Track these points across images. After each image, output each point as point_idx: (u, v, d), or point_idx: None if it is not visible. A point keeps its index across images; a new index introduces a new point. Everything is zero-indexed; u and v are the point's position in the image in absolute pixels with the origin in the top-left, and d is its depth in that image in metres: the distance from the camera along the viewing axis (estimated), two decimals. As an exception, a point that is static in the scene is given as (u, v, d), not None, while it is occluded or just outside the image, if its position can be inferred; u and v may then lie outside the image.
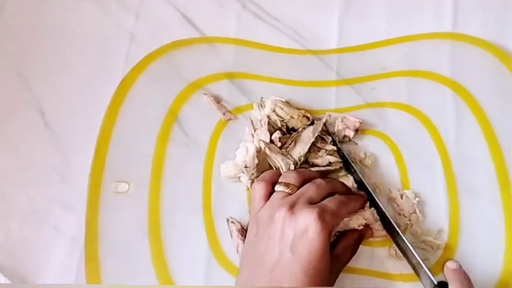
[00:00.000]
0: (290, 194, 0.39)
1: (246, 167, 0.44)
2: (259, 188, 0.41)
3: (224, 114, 0.48)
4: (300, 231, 0.36)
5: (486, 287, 0.41)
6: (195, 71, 0.50)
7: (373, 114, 0.48)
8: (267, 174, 0.42)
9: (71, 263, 0.44)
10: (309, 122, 0.47)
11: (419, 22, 0.52)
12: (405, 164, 0.46)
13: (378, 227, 0.43)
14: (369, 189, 0.42)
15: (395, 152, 0.46)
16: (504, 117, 0.47)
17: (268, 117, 0.46)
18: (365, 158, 0.46)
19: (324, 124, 0.46)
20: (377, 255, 0.43)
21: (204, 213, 0.45)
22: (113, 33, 0.52)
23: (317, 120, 0.47)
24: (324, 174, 0.44)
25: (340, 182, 0.44)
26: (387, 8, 0.53)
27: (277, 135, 0.45)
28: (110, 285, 0.42)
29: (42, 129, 0.48)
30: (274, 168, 0.45)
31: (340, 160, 0.46)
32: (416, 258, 0.39)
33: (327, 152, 0.46)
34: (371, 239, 0.43)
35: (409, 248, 0.39)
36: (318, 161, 0.46)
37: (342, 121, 0.47)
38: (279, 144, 0.45)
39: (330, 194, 0.40)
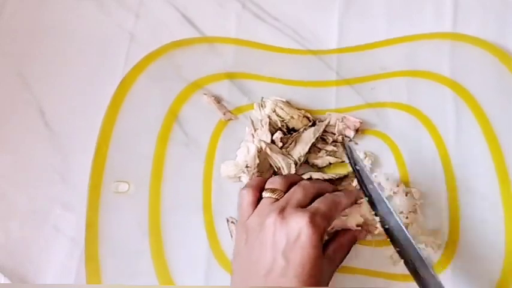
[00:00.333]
0: (277, 200, 0.39)
1: (247, 166, 0.44)
2: (247, 195, 0.40)
3: (224, 114, 0.48)
4: (292, 236, 0.36)
5: (486, 285, 0.41)
6: (195, 71, 0.50)
7: (373, 114, 0.48)
8: (253, 181, 0.42)
9: (71, 263, 0.44)
10: (310, 123, 0.47)
11: (419, 22, 0.52)
12: (405, 163, 0.46)
13: (377, 225, 0.43)
14: (382, 196, 0.41)
15: (396, 151, 0.46)
16: (504, 117, 0.47)
17: (269, 117, 0.46)
18: (365, 157, 0.46)
19: (349, 147, 0.44)
20: (377, 255, 0.43)
21: (204, 213, 0.45)
22: (113, 33, 0.52)
23: (318, 121, 0.47)
24: (332, 183, 0.44)
25: (326, 182, 0.44)
26: (387, 8, 0.53)
27: (278, 135, 0.45)
28: (110, 285, 0.42)
29: (42, 129, 0.48)
30: (275, 168, 0.45)
31: (340, 161, 0.46)
32: (420, 256, 0.38)
33: (327, 152, 0.46)
34: (371, 239, 0.43)
35: (414, 246, 0.38)
36: (318, 161, 0.46)
37: (342, 121, 0.47)
38: (280, 144, 0.45)
39: (317, 195, 0.40)
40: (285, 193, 0.40)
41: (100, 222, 0.44)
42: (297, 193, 0.39)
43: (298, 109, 0.47)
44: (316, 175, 0.44)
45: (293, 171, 0.44)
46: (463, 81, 0.49)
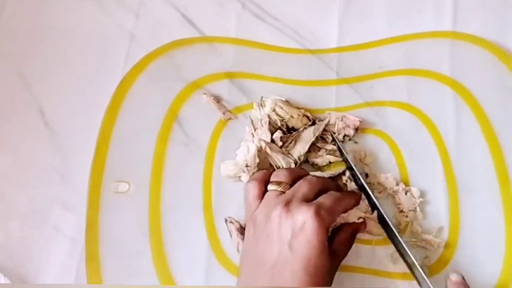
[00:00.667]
0: (283, 192, 0.40)
1: (247, 166, 0.44)
2: (252, 188, 0.41)
3: (224, 113, 0.48)
4: (297, 228, 0.36)
5: (486, 286, 0.41)
6: (195, 71, 0.50)
7: (373, 113, 0.48)
8: (258, 174, 0.42)
9: (71, 263, 0.44)
10: (309, 122, 0.47)
11: (419, 22, 0.52)
12: (405, 162, 0.46)
13: (375, 225, 0.43)
14: (369, 192, 0.42)
15: (395, 150, 0.46)
16: (504, 116, 0.47)
17: (269, 116, 0.46)
18: (365, 156, 0.46)
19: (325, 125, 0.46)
20: (377, 254, 0.43)
21: (205, 212, 0.45)
22: (113, 33, 0.52)
23: (318, 120, 0.47)
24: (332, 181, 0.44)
25: (330, 179, 0.44)
26: (387, 8, 0.53)
27: (278, 134, 0.45)
28: (110, 285, 0.42)
29: (42, 129, 0.48)
30: (275, 168, 0.45)
31: (340, 160, 0.46)
32: (412, 260, 0.39)
33: (327, 151, 0.46)
34: (370, 238, 0.43)
35: (405, 249, 0.39)
36: (317, 160, 0.46)
37: (342, 120, 0.47)
38: (280, 143, 0.45)
39: (322, 191, 0.40)
40: (290, 186, 0.40)
41: (100, 222, 0.44)
42: (302, 187, 0.40)
43: (298, 108, 0.47)
44: (316, 174, 0.44)
45: (293, 170, 0.44)
46: (462, 80, 0.49)
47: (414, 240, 0.42)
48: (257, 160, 0.43)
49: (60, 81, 0.50)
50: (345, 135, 0.47)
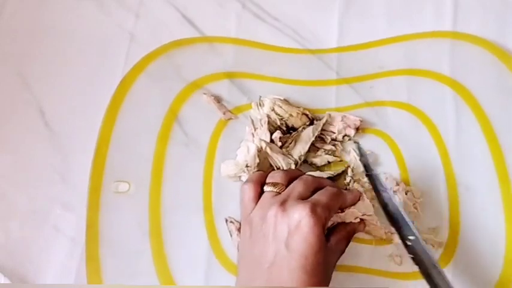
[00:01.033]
0: (279, 193, 0.39)
1: (247, 166, 0.44)
2: (248, 190, 0.41)
3: (224, 113, 0.48)
4: (293, 227, 0.36)
5: (486, 285, 0.41)
6: (195, 71, 0.50)
7: (373, 113, 0.48)
8: (254, 176, 0.42)
9: (71, 263, 0.44)
10: (308, 121, 0.47)
11: (419, 22, 0.52)
12: (405, 162, 0.46)
13: (375, 226, 0.42)
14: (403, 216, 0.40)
15: (395, 150, 0.46)
16: (504, 116, 0.47)
17: (268, 116, 0.46)
18: (360, 158, 0.46)
19: (358, 145, 0.46)
20: (377, 254, 0.43)
21: (205, 212, 0.45)
22: (113, 33, 0.52)
23: (317, 120, 0.47)
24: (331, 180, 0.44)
25: (327, 179, 0.44)
26: (387, 8, 0.53)
27: (277, 134, 0.45)
28: (110, 285, 0.42)
29: (42, 129, 0.48)
30: (275, 168, 0.45)
31: (339, 160, 0.46)
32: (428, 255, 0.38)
33: (326, 151, 0.46)
34: (371, 238, 0.43)
35: (420, 243, 0.38)
36: (316, 160, 0.46)
37: (342, 120, 0.47)
38: (279, 144, 0.45)
39: (318, 189, 0.40)
40: (286, 187, 0.40)
41: (100, 222, 0.44)
42: (298, 186, 0.39)
43: (297, 107, 0.47)
44: (315, 174, 0.44)
45: (293, 170, 0.44)
46: (462, 80, 0.49)
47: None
48: (257, 160, 0.43)
49: (60, 81, 0.50)
50: (345, 135, 0.47)
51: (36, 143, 0.48)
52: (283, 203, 0.38)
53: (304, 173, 0.42)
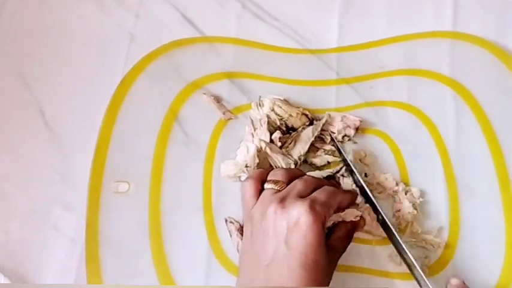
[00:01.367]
0: (279, 191, 0.40)
1: (246, 166, 0.44)
2: (249, 186, 0.41)
3: (224, 113, 0.48)
4: (292, 223, 0.36)
5: (486, 285, 0.41)
6: (195, 71, 0.50)
7: (373, 114, 0.48)
8: (255, 173, 0.42)
9: (71, 263, 0.44)
10: (308, 121, 0.47)
11: (419, 22, 0.52)
12: (405, 162, 0.46)
13: (375, 225, 0.43)
14: (368, 192, 0.42)
15: (395, 150, 0.46)
16: (504, 116, 0.47)
17: (268, 116, 0.46)
18: (365, 156, 0.46)
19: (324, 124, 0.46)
20: (377, 254, 0.43)
21: (205, 212, 0.45)
22: (113, 33, 0.52)
23: (316, 120, 0.47)
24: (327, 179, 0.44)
25: (328, 178, 0.44)
26: (387, 8, 0.53)
27: (277, 135, 0.45)
28: (110, 285, 0.42)
29: (42, 129, 0.48)
30: (275, 168, 0.44)
31: (339, 160, 0.46)
32: (411, 260, 0.39)
33: (325, 151, 0.46)
34: (371, 238, 0.43)
35: (404, 249, 0.39)
36: (316, 160, 0.46)
37: (342, 120, 0.47)
38: (279, 144, 0.45)
39: (318, 188, 0.40)
40: (286, 185, 0.40)
41: (100, 222, 0.44)
42: (298, 185, 0.40)
43: (297, 107, 0.47)
44: (314, 174, 0.44)
45: (293, 170, 0.44)
46: (462, 80, 0.49)
47: (414, 240, 0.42)
48: (257, 160, 0.44)
49: (60, 81, 0.50)
50: (344, 135, 0.47)
51: (36, 143, 0.48)
52: (282, 200, 0.38)
53: (305, 173, 0.43)
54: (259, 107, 0.47)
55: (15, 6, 0.54)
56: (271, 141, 0.45)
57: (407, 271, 0.41)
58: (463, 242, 0.43)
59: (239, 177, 0.45)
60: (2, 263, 0.43)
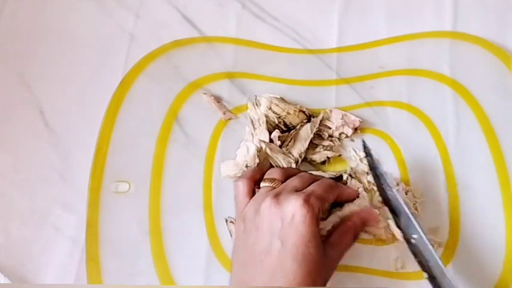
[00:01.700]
0: (275, 188, 0.39)
1: (247, 166, 0.44)
2: (242, 186, 0.41)
3: (224, 113, 0.48)
4: (287, 218, 0.36)
5: (486, 285, 0.41)
6: (195, 71, 0.50)
7: (373, 113, 0.48)
8: (247, 172, 0.42)
9: (71, 263, 0.44)
10: (306, 118, 0.47)
11: (419, 22, 0.52)
12: (405, 162, 0.46)
13: (375, 226, 0.42)
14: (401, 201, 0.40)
15: (396, 150, 0.46)
16: (504, 116, 0.47)
17: (266, 115, 0.46)
18: (365, 156, 0.46)
19: (364, 143, 0.44)
20: (377, 254, 0.43)
21: (205, 212, 0.45)
22: (113, 33, 0.52)
23: (313, 117, 0.47)
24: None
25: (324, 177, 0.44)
26: (387, 8, 0.53)
27: (276, 134, 0.45)
28: (110, 285, 0.42)
29: (42, 129, 0.48)
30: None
31: (337, 155, 0.46)
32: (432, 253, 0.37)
33: (324, 147, 0.46)
34: (370, 238, 0.43)
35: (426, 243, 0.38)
36: (315, 157, 0.46)
37: (341, 118, 0.47)
38: (279, 143, 0.45)
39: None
40: (282, 183, 0.40)
41: (100, 222, 0.44)
42: (293, 181, 0.40)
43: (294, 104, 0.47)
44: (315, 173, 0.44)
45: (293, 170, 0.44)
46: (462, 80, 0.49)
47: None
48: (257, 160, 0.44)
49: (60, 81, 0.51)
50: (341, 133, 0.47)
51: (36, 143, 0.48)
52: (277, 195, 0.37)
53: (302, 171, 0.42)
54: (256, 106, 0.47)
55: (15, 6, 0.54)
56: (271, 140, 0.45)
57: (409, 271, 0.41)
58: (463, 242, 0.43)
59: (239, 177, 0.45)
60: (2, 263, 0.43)
